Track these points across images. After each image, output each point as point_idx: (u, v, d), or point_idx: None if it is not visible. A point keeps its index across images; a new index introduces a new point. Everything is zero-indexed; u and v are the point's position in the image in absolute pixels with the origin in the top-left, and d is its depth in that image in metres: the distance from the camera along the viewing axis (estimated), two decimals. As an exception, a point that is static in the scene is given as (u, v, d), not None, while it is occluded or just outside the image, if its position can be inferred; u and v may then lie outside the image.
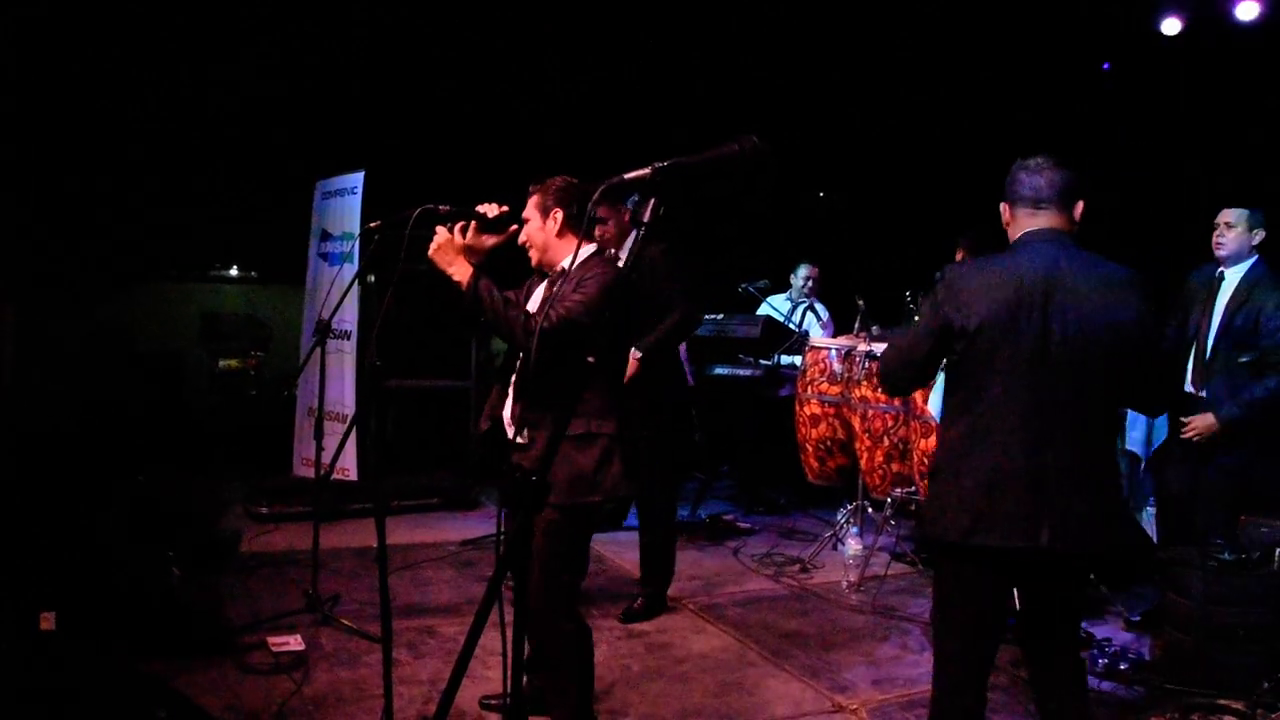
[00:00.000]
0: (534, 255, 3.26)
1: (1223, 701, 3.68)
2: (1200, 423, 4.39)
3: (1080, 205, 2.81)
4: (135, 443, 7.79)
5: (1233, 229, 4.43)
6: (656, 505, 4.99)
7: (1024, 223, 2.81)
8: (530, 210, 3.22)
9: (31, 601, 3.47)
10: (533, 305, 3.24)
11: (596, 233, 4.36)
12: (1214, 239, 4.49)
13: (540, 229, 3.21)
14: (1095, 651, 4.14)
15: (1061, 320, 2.62)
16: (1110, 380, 2.67)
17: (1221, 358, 4.42)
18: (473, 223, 3.05)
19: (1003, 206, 2.90)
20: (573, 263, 3.13)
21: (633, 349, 4.56)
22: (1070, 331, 2.62)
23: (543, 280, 3.33)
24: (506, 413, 3.19)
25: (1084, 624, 4.23)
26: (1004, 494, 2.62)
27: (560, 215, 3.19)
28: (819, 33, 8.46)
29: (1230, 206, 4.48)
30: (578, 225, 3.17)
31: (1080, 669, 2.93)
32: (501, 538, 2.91)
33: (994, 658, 2.84)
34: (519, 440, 3.08)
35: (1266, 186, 5.27)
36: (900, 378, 2.99)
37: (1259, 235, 4.43)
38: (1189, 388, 4.56)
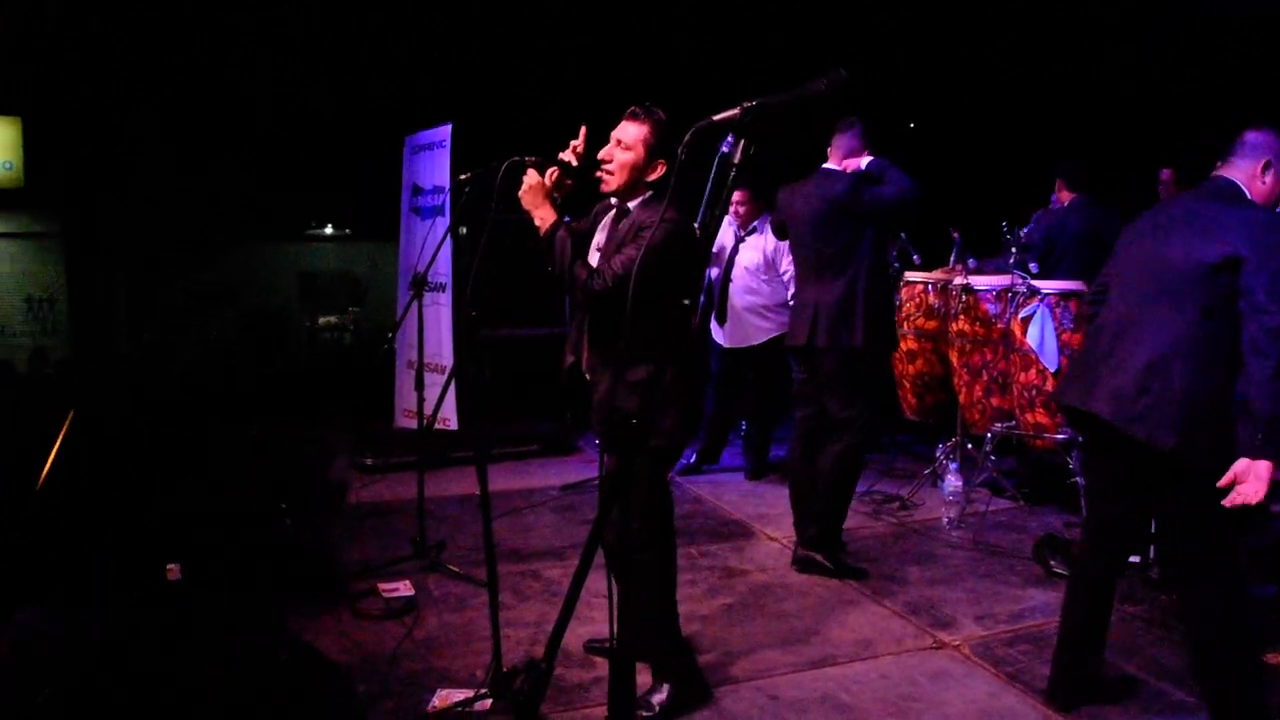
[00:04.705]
0: (610, 182, 3.13)
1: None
2: None
3: (1251, 158, 3.02)
4: (245, 398, 8.08)
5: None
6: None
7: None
8: (633, 140, 3.09)
9: (158, 554, 3.64)
10: (599, 237, 3.22)
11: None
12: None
13: (635, 166, 3.09)
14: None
15: (1157, 247, 3.06)
16: (1192, 301, 2.93)
17: None
18: (557, 169, 3.08)
19: None
20: (637, 205, 3.13)
21: None
22: (1167, 256, 3.02)
23: (609, 211, 3.24)
24: (584, 355, 3.25)
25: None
26: (1084, 370, 3.18)
27: (663, 169, 3.12)
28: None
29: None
30: (665, 181, 3.11)
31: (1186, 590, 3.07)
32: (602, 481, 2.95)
33: (1120, 518, 3.23)
34: (587, 379, 3.20)
35: None
36: None
37: None
38: None
